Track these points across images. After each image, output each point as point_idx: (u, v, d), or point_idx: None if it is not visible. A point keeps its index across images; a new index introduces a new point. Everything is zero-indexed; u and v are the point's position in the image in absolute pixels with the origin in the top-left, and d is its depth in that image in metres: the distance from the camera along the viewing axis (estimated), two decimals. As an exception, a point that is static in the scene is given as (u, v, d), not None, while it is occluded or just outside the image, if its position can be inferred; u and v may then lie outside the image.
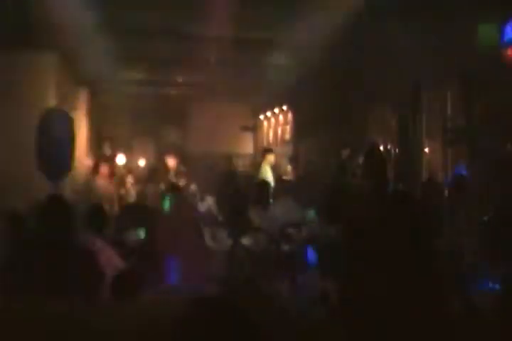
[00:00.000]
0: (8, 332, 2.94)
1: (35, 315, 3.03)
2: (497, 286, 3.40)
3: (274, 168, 16.10)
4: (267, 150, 12.29)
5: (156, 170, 12.68)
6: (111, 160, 13.12)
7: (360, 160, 9.86)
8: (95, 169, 11.13)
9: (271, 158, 11.82)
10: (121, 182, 12.62)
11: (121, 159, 17.01)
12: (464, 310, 3.18)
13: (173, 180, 11.24)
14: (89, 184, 11.42)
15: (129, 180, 12.79)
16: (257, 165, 17.49)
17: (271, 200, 9.33)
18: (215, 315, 2.23)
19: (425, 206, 6.51)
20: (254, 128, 20.83)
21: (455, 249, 4.66)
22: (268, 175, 11.50)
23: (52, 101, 10.18)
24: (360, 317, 3.13)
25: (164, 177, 11.60)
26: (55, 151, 8.93)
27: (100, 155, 12.39)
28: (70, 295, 3.40)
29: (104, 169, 11.44)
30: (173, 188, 6.87)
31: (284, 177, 14.02)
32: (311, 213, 8.77)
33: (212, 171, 15.90)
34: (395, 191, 8.07)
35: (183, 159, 14.84)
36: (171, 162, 11.93)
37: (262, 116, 20.18)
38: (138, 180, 13.29)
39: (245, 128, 20.43)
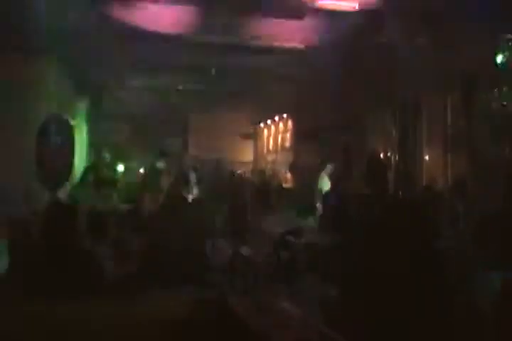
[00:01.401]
0: (9, 332, 2.95)
1: (35, 316, 3.03)
2: (497, 286, 3.40)
3: (274, 176, 16.16)
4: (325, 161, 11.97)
5: (151, 175, 12.43)
6: (110, 167, 12.92)
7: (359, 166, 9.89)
8: (82, 177, 10.69)
9: (330, 167, 11.60)
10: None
11: (120, 167, 17.02)
12: (464, 310, 3.17)
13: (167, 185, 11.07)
14: (74, 193, 10.92)
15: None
16: (257, 172, 17.53)
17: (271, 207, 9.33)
18: (214, 323, 2.22)
19: (426, 211, 6.50)
20: (255, 135, 20.86)
21: (455, 250, 4.65)
22: (325, 184, 11.34)
23: (52, 108, 10.18)
24: (362, 319, 3.12)
25: (157, 183, 11.38)
26: (54, 159, 8.93)
27: (92, 163, 12.05)
28: (70, 296, 3.40)
29: (90, 177, 10.85)
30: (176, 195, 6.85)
31: (284, 185, 14.03)
32: (311, 220, 8.76)
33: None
34: (398, 198, 8.08)
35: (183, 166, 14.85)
36: (161, 165, 11.70)
37: (262, 124, 20.21)
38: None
39: (245, 136, 20.46)
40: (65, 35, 8.97)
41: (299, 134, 16.50)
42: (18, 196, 9.10)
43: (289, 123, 17.67)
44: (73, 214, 4.32)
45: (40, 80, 10.09)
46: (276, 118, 18.60)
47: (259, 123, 20.26)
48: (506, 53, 7.75)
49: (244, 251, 6.78)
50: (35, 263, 3.98)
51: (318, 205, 9.93)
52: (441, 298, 3.10)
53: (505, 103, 7.85)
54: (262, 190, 12.92)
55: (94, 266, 4.03)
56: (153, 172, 11.86)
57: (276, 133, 18.98)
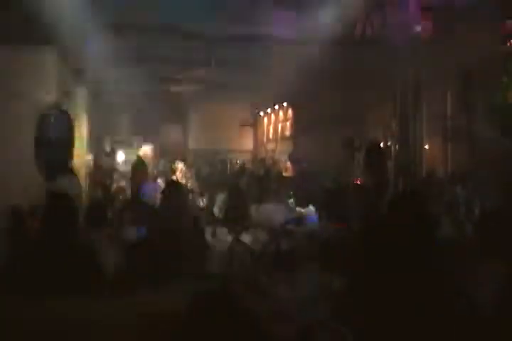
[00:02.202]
0: (8, 332, 2.95)
1: (34, 315, 3.03)
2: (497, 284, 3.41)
3: (274, 165, 16.17)
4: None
5: (135, 164, 12.34)
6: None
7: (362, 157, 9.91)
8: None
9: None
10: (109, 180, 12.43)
11: (121, 156, 17.02)
12: (464, 309, 3.18)
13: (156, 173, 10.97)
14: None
15: (115, 177, 12.58)
16: (257, 161, 17.54)
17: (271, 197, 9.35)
18: (215, 311, 2.23)
19: (426, 203, 6.51)
20: (254, 124, 20.84)
21: (456, 246, 4.66)
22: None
23: (52, 100, 10.16)
24: (364, 314, 3.13)
25: (143, 172, 11.26)
26: (54, 150, 8.91)
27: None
28: (69, 293, 3.40)
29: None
30: (171, 184, 6.82)
31: (284, 174, 14.04)
32: (311, 209, 8.78)
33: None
34: (402, 190, 8.09)
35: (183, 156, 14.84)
36: (146, 152, 11.57)
37: (262, 113, 20.19)
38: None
39: (245, 124, 20.44)
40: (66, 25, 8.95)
41: (299, 123, 16.49)
42: (17, 186, 9.11)
43: (289, 112, 17.65)
44: (72, 204, 4.33)
45: (39, 70, 10.07)
46: (276, 106, 18.58)
47: (259, 111, 20.23)
48: None
49: (244, 239, 6.79)
50: (33, 256, 3.98)
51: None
52: (441, 294, 3.11)
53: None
54: (262, 178, 12.94)
55: (93, 259, 4.04)
56: (138, 161, 11.83)
57: (276, 121, 18.97)
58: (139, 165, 11.77)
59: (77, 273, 3.76)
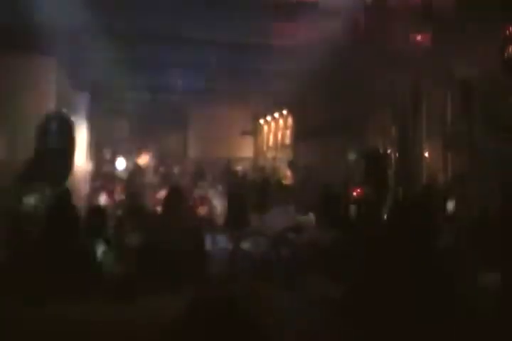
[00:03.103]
0: (8, 333, 2.95)
1: (35, 316, 3.04)
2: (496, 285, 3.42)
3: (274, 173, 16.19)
4: None
5: (133, 172, 12.40)
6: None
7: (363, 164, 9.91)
8: None
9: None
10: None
11: (121, 164, 17.03)
12: (463, 309, 3.19)
13: (151, 180, 11.06)
14: None
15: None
16: (257, 169, 17.55)
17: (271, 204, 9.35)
18: (215, 318, 2.24)
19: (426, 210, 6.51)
20: (255, 132, 20.84)
21: (454, 250, 4.67)
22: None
23: (52, 106, 10.17)
24: (366, 317, 3.14)
25: (140, 178, 11.35)
26: (54, 156, 8.90)
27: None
28: (70, 295, 3.41)
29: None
30: (173, 191, 6.83)
31: (284, 182, 14.03)
32: (311, 217, 8.77)
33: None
34: (402, 198, 8.08)
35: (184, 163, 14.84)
36: (144, 159, 11.68)
37: (262, 121, 20.20)
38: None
39: (245, 133, 20.44)
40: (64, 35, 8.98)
41: (298, 131, 16.51)
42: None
43: (289, 120, 17.67)
44: (73, 210, 4.33)
45: (39, 77, 10.09)
46: (277, 114, 18.60)
47: (259, 119, 20.25)
48: None
49: (245, 247, 6.79)
50: (33, 259, 3.99)
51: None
52: (440, 298, 3.12)
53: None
54: (262, 186, 12.94)
55: (93, 266, 4.04)
56: (135, 169, 11.89)
57: (276, 129, 18.98)
58: (136, 173, 11.84)
59: (77, 277, 3.77)
